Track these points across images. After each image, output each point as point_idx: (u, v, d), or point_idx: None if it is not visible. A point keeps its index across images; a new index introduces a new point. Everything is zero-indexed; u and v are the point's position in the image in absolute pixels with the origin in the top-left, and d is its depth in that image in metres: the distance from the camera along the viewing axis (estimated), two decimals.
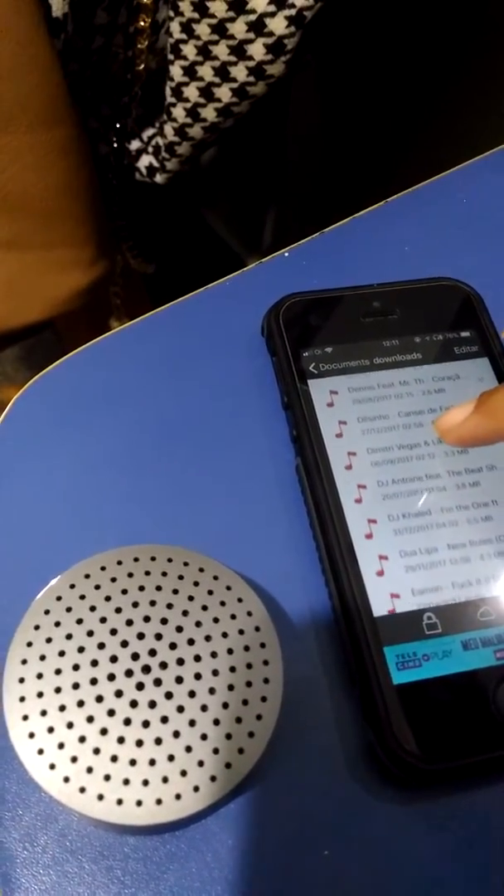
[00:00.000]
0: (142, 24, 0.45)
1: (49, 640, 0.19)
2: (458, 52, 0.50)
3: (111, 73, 0.48)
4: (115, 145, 0.53)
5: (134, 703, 0.18)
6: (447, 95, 0.52)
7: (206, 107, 0.45)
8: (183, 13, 0.41)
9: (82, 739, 0.18)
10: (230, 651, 0.19)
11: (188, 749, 0.18)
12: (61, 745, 0.18)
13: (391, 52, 0.55)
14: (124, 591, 0.20)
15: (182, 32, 0.42)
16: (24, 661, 0.19)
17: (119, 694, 0.19)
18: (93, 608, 0.20)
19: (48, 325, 0.78)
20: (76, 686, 0.19)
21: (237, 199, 0.84)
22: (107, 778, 0.18)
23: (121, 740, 0.18)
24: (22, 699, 0.18)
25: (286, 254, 0.30)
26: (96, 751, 0.18)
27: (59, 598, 0.20)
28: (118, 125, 0.52)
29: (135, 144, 0.53)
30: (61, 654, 0.19)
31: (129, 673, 0.19)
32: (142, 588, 0.20)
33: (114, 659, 0.19)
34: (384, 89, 0.57)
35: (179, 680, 0.19)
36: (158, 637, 0.19)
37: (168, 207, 0.68)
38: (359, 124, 0.62)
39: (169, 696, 0.19)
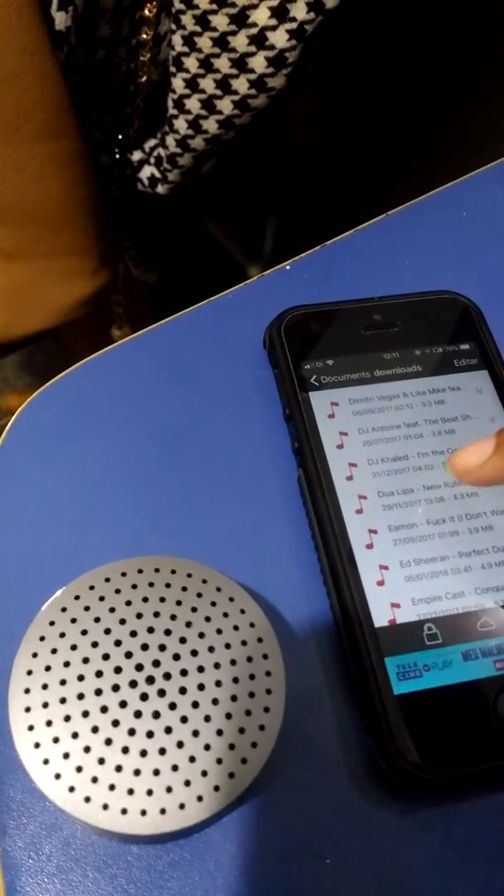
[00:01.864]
0: (144, 36, 0.45)
1: (54, 651, 0.19)
2: (458, 65, 0.51)
3: (114, 85, 0.49)
4: (118, 156, 0.54)
5: (138, 714, 0.19)
6: (447, 108, 0.53)
7: (207, 119, 0.45)
8: (185, 26, 0.41)
9: (87, 749, 0.18)
10: (233, 662, 0.20)
11: (192, 759, 0.18)
12: (66, 755, 0.18)
13: (391, 65, 0.56)
14: (128, 603, 0.20)
15: (184, 45, 0.42)
16: (30, 672, 0.19)
17: (123, 704, 0.19)
18: (97, 619, 0.20)
19: (50, 330, 0.78)
20: (81, 696, 0.19)
21: (238, 208, 0.84)
22: (111, 788, 0.18)
23: (125, 750, 0.18)
24: (27, 709, 0.19)
25: (287, 267, 0.31)
26: (101, 761, 0.18)
27: (63, 610, 0.20)
28: (120, 136, 0.53)
29: (137, 155, 0.53)
30: (66, 664, 0.19)
31: (133, 684, 0.19)
32: (145, 599, 0.20)
33: (118, 670, 0.19)
34: (384, 102, 0.58)
35: (183, 691, 0.19)
36: (162, 648, 0.20)
37: (170, 217, 0.69)
38: (359, 136, 0.63)
39: (172, 706, 0.19)
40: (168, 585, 0.21)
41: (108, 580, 0.21)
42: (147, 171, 0.53)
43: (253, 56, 0.41)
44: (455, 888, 0.21)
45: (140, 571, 0.21)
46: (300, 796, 0.21)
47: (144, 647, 0.20)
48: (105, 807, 0.18)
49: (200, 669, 0.19)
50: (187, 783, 0.18)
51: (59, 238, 0.49)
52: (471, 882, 0.21)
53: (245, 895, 0.20)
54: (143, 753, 0.18)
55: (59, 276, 0.51)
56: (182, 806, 0.18)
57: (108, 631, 0.20)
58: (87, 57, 0.45)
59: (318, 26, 0.39)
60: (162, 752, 0.18)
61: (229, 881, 0.20)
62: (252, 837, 0.21)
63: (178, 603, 0.20)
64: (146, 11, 0.44)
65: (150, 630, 0.20)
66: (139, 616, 0.20)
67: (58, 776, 0.18)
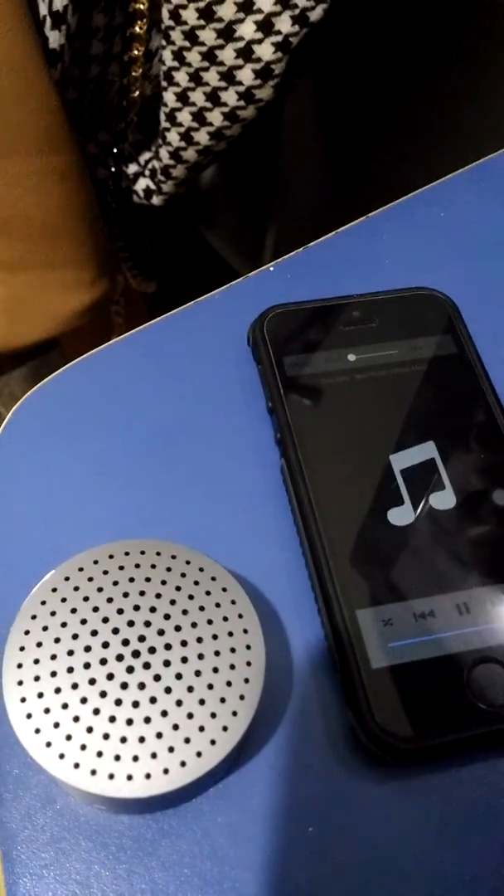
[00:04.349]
0: (136, 53, 0.47)
1: (45, 629, 0.20)
2: (435, 78, 0.52)
3: (108, 101, 0.50)
4: (113, 169, 0.55)
5: (124, 685, 0.20)
6: (427, 116, 0.54)
7: (199, 131, 0.47)
8: (174, 42, 0.43)
9: (76, 719, 0.19)
10: (215, 636, 0.21)
11: (175, 727, 0.19)
12: (56, 725, 0.19)
13: (374, 77, 0.57)
14: (115, 583, 0.21)
15: (174, 60, 0.44)
16: (22, 648, 0.20)
17: (110, 677, 0.20)
18: (86, 598, 0.21)
19: (54, 345, 0.80)
20: (70, 670, 0.20)
21: (237, 219, 0.86)
22: (99, 754, 0.19)
23: (112, 719, 0.19)
24: (20, 683, 0.20)
25: (271, 268, 0.32)
26: (89, 729, 0.19)
27: (54, 590, 0.21)
28: (116, 150, 0.54)
29: (132, 168, 0.55)
30: (56, 640, 0.20)
31: (119, 658, 0.20)
32: (132, 580, 0.21)
33: (105, 645, 0.20)
34: (370, 112, 0.59)
35: (167, 663, 0.20)
36: (147, 624, 0.21)
37: (166, 228, 0.70)
38: (351, 142, 0.64)
39: (157, 678, 0.20)
40: (153, 566, 0.22)
41: (96, 562, 0.22)
42: (142, 184, 0.55)
43: (241, 69, 0.42)
44: (433, 854, 0.21)
45: (126, 554, 0.22)
46: (283, 768, 0.22)
47: (130, 623, 0.21)
48: (93, 772, 0.19)
49: (183, 644, 0.20)
50: (171, 749, 0.19)
51: (57, 249, 0.51)
52: (449, 848, 0.22)
53: (231, 861, 0.21)
54: (129, 722, 0.19)
55: (59, 287, 0.53)
56: (166, 771, 0.19)
57: (96, 609, 0.21)
58: (81, 74, 0.47)
59: (304, 38, 0.41)
60: (147, 720, 0.19)
61: (215, 848, 0.21)
62: (237, 807, 0.22)
63: (163, 582, 0.21)
64: (137, 29, 0.46)
65: (136, 608, 0.21)
66: (125, 595, 0.21)
67: (49, 744, 0.19)
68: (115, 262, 0.62)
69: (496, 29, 0.46)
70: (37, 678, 0.20)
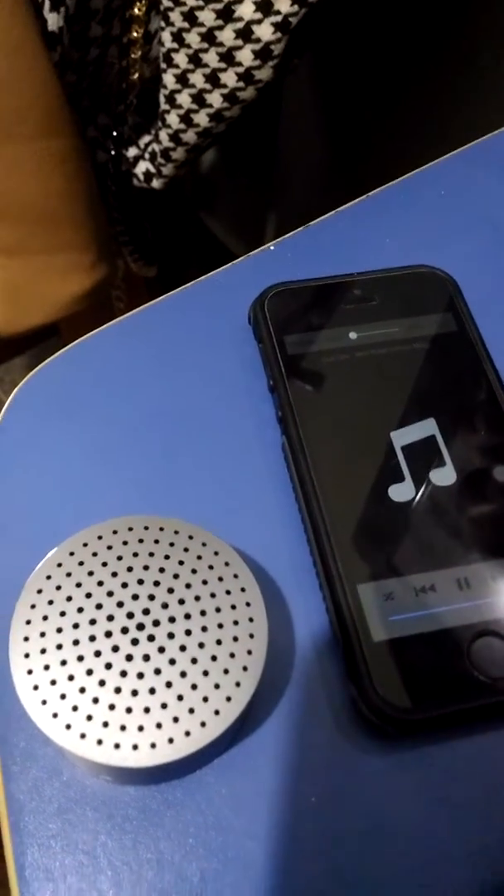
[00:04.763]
0: (135, 35, 0.47)
1: (51, 602, 0.21)
2: (434, 58, 0.52)
3: (107, 83, 0.50)
4: (113, 153, 0.55)
5: (129, 658, 0.20)
6: (426, 96, 0.54)
7: (198, 112, 0.46)
8: (174, 23, 0.43)
9: (82, 690, 0.20)
10: (218, 610, 0.21)
11: (179, 698, 0.20)
12: (63, 696, 0.20)
13: (373, 58, 0.57)
14: (119, 558, 0.21)
15: (173, 42, 0.44)
16: (28, 622, 0.20)
17: (115, 649, 0.20)
18: (90, 573, 0.21)
19: (54, 332, 0.80)
20: (76, 643, 0.20)
21: (236, 203, 0.86)
22: (105, 725, 0.19)
23: (117, 690, 0.20)
24: (26, 656, 0.20)
25: (272, 247, 0.32)
26: (95, 700, 0.19)
27: (59, 565, 0.21)
28: (115, 133, 0.54)
29: (132, 151, 0.55)
30: (62, 614, 0.21)
31: (124, 630, 0.20)
32: (135, 554, 0.22)
33: (110, 618, 0.20)
34: (369, 93, 0.59)
35: (171, 636, 0.20)
36: (151, 598, 0.21)
37: (167, 212, 0.70)
38: (350, 124, 0.64)
39: (161, 650, 0.20)
40: (156, 541, 0.22)
41: (100, 538, 0.22)
42: (142, 167, 0.54)
43: (240, 50, 0.42)
44: (433, 824, 0.22)
45: (130, 529, 0.22)
46: (286, 740, 0.23)
47: (135, 597, 0.21)
48: (99, 742, 0.19)
49: (187, 616, 0.21)
50: (175, 719, 0.19)
51: (57, 234, 0.51)
52: (449, 819, 0.22)
53: (235, 831, 0.22)
54: (135, 693, 0.20)
55: (59, 271, 0.53)
56: (171, 740, 0.19)
57: (100, 583, 0.21)
58: (80, 56, 0.46)
59: (303, 18, 0.41)
60: (152, 691, 0.20)
61: (219, 818, 0.22)
62: (241, 778, 0.22)
63: (166, 557, 0.22)
64: (136, 10, 0.45)
65: (140, 582, 0.21)
66: (129, 569, 0.21)
67: (55, 715, 0.19)
68: (115, 246, 0.62)
69: (496, 6, 0.46)
70: (43, 651, 0.20)
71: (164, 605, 0.21)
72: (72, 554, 0.22)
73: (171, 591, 0.21)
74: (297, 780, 0.22)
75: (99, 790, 0.22)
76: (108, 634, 0.20)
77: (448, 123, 0.51)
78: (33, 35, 0.40)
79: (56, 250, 0.52)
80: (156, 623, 0.21)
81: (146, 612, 0.21)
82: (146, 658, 0.20)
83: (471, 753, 0.23)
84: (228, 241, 0.89)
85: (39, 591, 0.21)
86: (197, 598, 0.21)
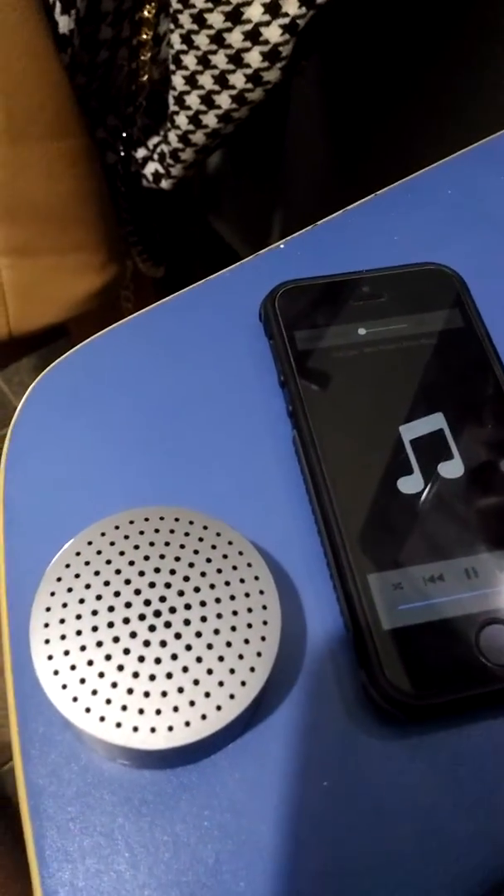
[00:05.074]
0: (144, 37, 0.47)
1: (70, 590, 0.21)
2: (440, 58, 0.52)
3: (116, 85, 0.51)
4: (122, 154, 0.56)
5: (147, 643, 0.21)
6: (432, 96, 0.54)
7: (207, 114, 0.47)
8: (182, 25, 0.43)
9: (101, 675, 0.20)
10: (232, 597, 0.21)
11: (196, 682, 0.20)
12: (82, 680, 0.20)
13: (379, 59, 0.57)
14: (136, 547, 0.22)
15: (182, 43, 0.44)
16: (48, 609, 0.21)
17: (133, 635, 0.21)
18: (108, 562, 0.22)
19: (62, 333, 0.80)
20: (94, 629, 0.21)
21: (242, 205, 0.86)
22: (123, 708, 0.20)
23: (135, 675, 0.20)
24: (46, 641, 0.21)
25: (282, 245, 0.32)
26: (114, 684, 0.20)
27: (78, 554, 0.22)
28: (125, 134, 0.55)
29: (141, 152, 0.55)
30: (81, 601, 0.21)
31: (142, 617, 0.21)
32: (152, 544, 0.22)
33: (128, 605, 0.21)
34: (375, 94, 0.60)
35: (187, 622, 0.21)
36: (167, 586, 0.21)
37: (175, 213, 0.71)
38: (357, 124, 0.64)
39: (178, 636, 0.21)
40: (172, 531, 0.22)
41: (117, 527, 0.22)
42: (151, 168, 0.55)
43: (248, 51, 0.43)
44: (442, 808, 0.22)
45: (146, 520, 0.23)
46: (299, 725, 0.23)
47: (151, 585, 0.21)
48: (118, 725, 0.20)
49: (202, 604, 0.21)
50: (192, 703, 0.20)
51: (68, 234, 0.51)
52: (457, 803, 0.22)
53: (249, 814, 0.22)
54: (152, 677, 0.20)
55: (70, 271, 0.53)
56: (188, 723, 0.20)
57: (118, 571, 0.22)
58: (90, 59, 0.47)
59: (311, 20, 0.41)
60: (169, 676, 0.20)
61: (233, 802, 0.22)
62: (255, 762, 0.23)
63: (182, 546, 0.22)
64: (145, 13, 0.46)
65: (157, 570, 0.22)
66: (146, 558, 0.22)
67: (75, 699, 0.20)
68: (124, 246, 0.62)
69: (501, 4, 0.47)
70: (62, 636, 0.21)
71: (180, 593, 0.21)
72: (90, 543, 0.22)
73: (186, 579, 0.22)
74: (309, 765, 0.23)
75: (116, 774, 0.23)
76: (126, 621, 0.21)
77: (454, 123, 0.52)
78: (45, 37, 0.41)
79: (66, 250, 0.53)
80: (172, 610, 0.21)
81: (163, 599, 0.21)
82: (163, 644, 0.21)
83: (479, 739, 0.23)
84: (234, 242, 0.89)
85: (59, 579, 0.22)
86: (212, 587, 0.22)
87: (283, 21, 0.41)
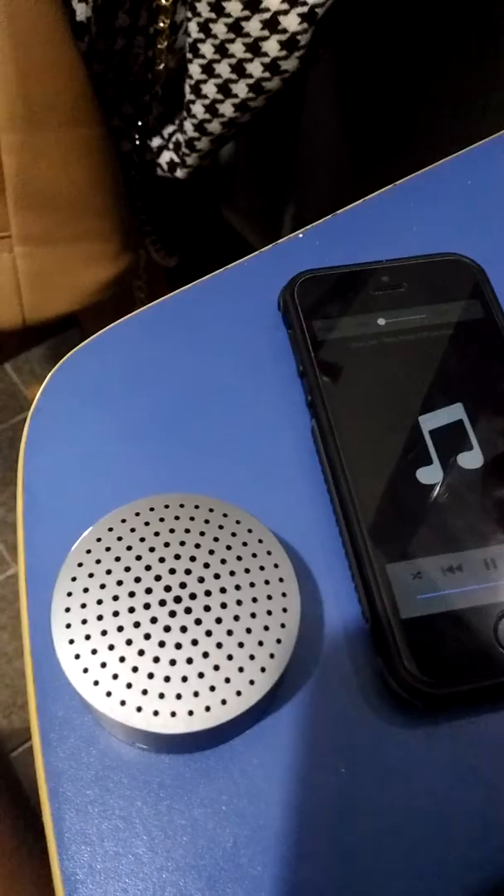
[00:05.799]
0: (161, 25, 0.47)
1: (91, 575, 0.21)
2: (464, 46, 0.52)
3: (133, 73, 0.51)
4: (138, 142, 0.56)
5: (167, 629, 0.21)
6: (452, 86, 0.54)
7: (223, 103, 0.47)
8: (200, 13, 0.43)
9: (122, 659, 0.20)
10: (252, 584, 0.21)
11: (216, 668, 0.20)
12: (103, 665, 0.20)
13: (402, 47, 0.57)
14: (157, 533, 0.22)
15: (200, 32, 0.44)
16: (70, 594, 0.21)
17: (154, 620, 0.21)
18: (129, 548, 0.22)
19: (73, 323, 0.80)
20: (115, 614, 0.21)
21: (255, 196, 0.86)
22: (144, 692, 0.20)
23: (156, 660, 0.20)
24: (68, 626, 0.21)
25: (300, 235, 0.32)
26: (135, 669, 0.20)
27: (98, 540, 0.22)
28: (140, 123, 0.55)
29: (156, 141, 0.55)
30: (102, 586, 0.21)
31: (162, 603, 0.21)
32: (172, 530, 0.22)
33: (149, 591, 0.21)
34: (395, 83, 0.59)
35: (207, 608, 0.21)
36: (188, 572, 0.22)
37: (188, 202, 0.70)
38: (372, 118, 0.64)
39: (198, 622, 0.21)
40: (192, 518, 0.22)
41: (137, 514, 0.22)
42: (166, 157, 0.55)
43: (266, 40, 0.42)
44: (459, 797, 0.22)
45: (166, 507, 0.23)
46: (316, 712, 0.23)
47: (172, 571, 0.22)
48: (139, 709, 0.20)
49: (222, 590, 0.21)
50: (212, 688, 0.20)
51: (82, 223, 0.51)
52: (474, 792, 0.22)
53: (267, 799, 0.22)
54: (173, 662, 0.20)
55: (84, 260, 0.53)
56: (208, 708, 0.20)
57: (139, 557, 0.22)
58: (106, 46, 0.47)
59: (330, 8, 0.41)
60: (189, 661, 0.20)
61: (251, 787, 0.22)
62: (272, 748, 0.23)
63: (202, 533, 0.22)
64: (163, 0, 0.46)
65: (177, 557, 0.22)
66: (166, 545, 0.22)
67: (96, 683, 0.20)
68: (138, 236, 0.62)
69: None
70: (84, 621, 0.21)
71: (200, 580, 0.21)
72: (110, 529, 0.22)
73: (206, 565, 0.22)
74: (327, 752, 0.23)
75: (134, 758, 0.23)
76: (147, 606, 0.21)
77: (473, 113, 0.51)
78: (62, 25, 0.41)
79: (81, 239, 0.53)
80: (192, 596, 0.21)
81: (183, 585, 0.21)
82: (183, 629, 0.21)
83: (496, 728, 0.23)
84: (247, 233, 0.89)
85: (80, 565, 0.22)
86: (232, 573, 0.22)
87: (302, 10, 0.41)
